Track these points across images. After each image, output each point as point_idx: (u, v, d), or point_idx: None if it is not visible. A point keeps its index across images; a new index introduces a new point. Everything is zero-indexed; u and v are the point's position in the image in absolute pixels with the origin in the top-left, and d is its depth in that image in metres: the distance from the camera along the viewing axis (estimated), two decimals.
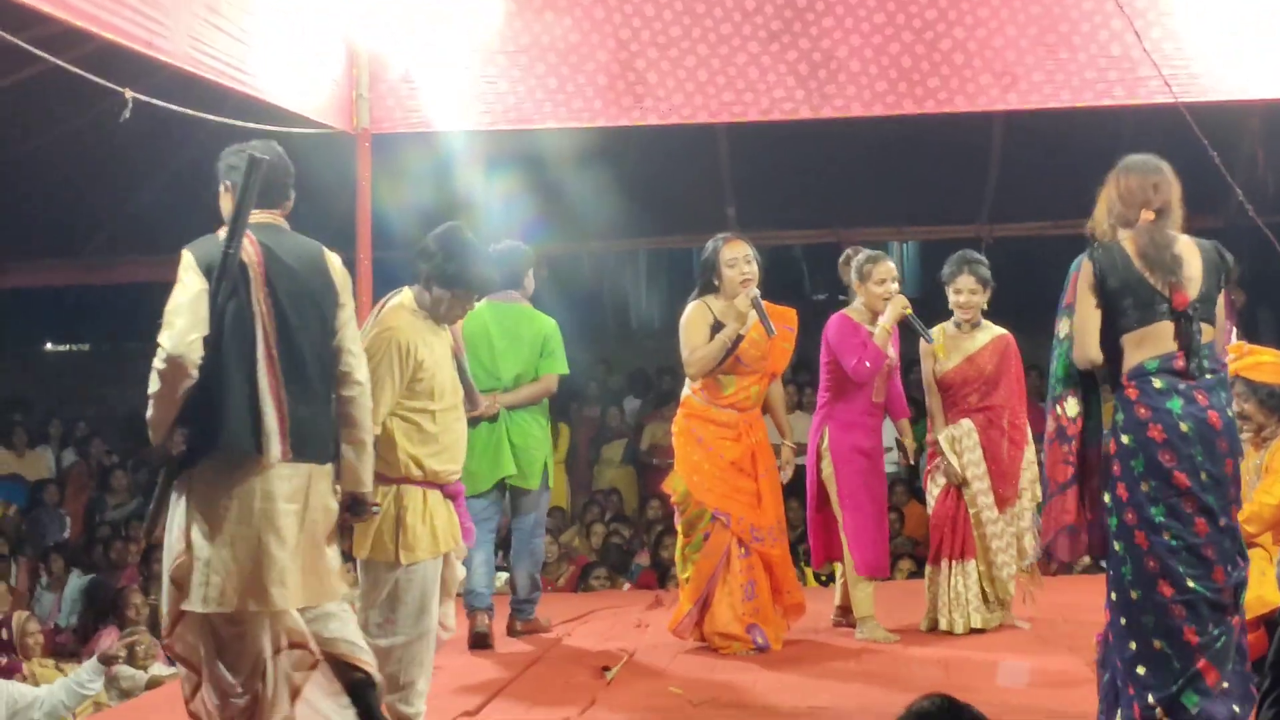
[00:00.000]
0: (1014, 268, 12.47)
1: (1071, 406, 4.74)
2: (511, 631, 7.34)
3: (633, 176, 11.00)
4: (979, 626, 6.97)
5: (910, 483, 10.75)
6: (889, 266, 7.07)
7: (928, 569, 7.19)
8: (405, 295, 5.23)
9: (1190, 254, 4.75)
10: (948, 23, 8.34)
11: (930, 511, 7.20)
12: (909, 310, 6.95)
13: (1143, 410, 4.62)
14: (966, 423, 7.05)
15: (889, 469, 8.23)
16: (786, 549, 6.99)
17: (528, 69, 8.50)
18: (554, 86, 8.50)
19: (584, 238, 11.60)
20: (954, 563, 7.04)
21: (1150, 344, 4.67)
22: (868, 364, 6.84)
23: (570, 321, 8.08)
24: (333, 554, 4.67)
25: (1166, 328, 4.66)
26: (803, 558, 9.38)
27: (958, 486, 7.02)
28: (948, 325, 7.20)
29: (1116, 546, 4.69)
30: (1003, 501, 7.03)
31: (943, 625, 7.02)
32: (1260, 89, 8.34)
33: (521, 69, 8.50)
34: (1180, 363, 4.63)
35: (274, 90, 7.55)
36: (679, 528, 6.85)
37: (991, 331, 7.18)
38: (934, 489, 7.15)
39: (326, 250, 4.81)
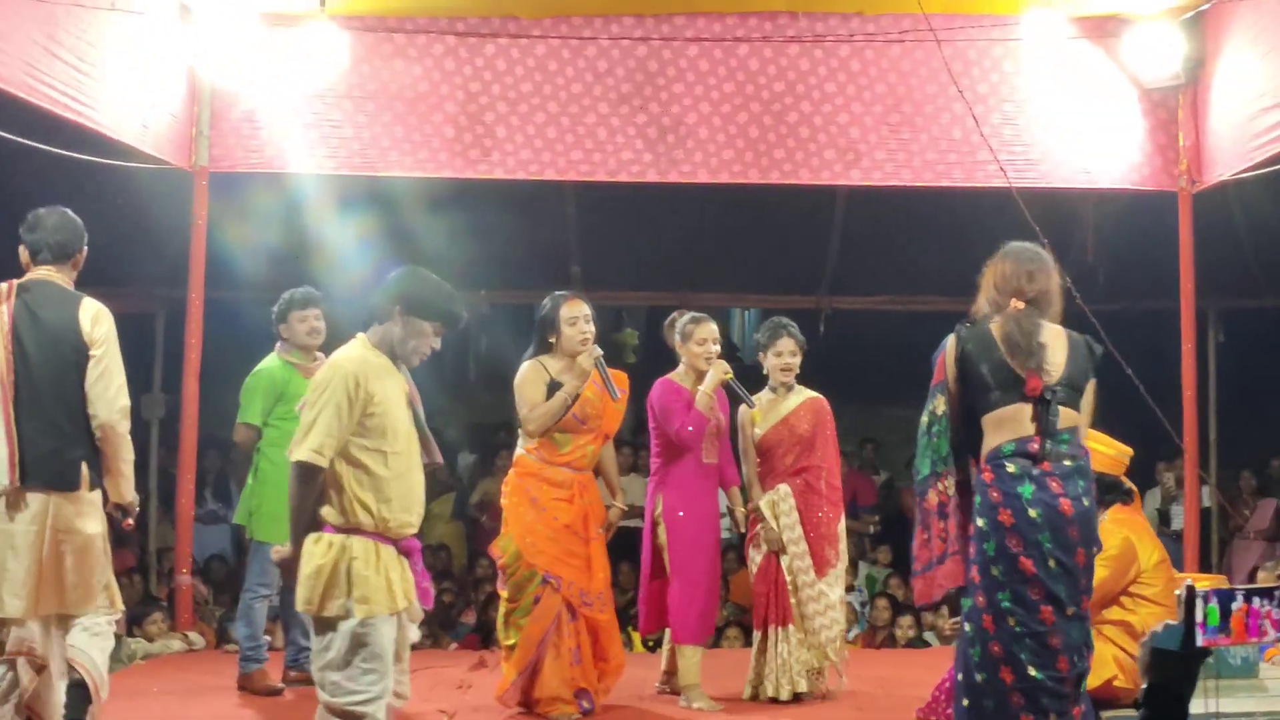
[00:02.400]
0: (852, 341, 12.68)
1: (951, 485, 4.73)
2: (286, 679, 7.28)
3: (482, 226, 10.93)
4: (803, 691, 6.98)
5: (739, 549, 10.78)
6: (711, 328, 7.09)
7: (755, 635, 7.19)
8: (359, 337, 4.91)
9: (1056, 342, 4.75)
10: (795, 96, 8.47)
11: (753, 578, 7.21)
12: (730, 375, 6.99)
13: (995, 494, 4.61)
14: (784, 487, 7.09)
15: (722, 535, 8.24)
16: (614, 614, 6.92)
17: (374, 115, 8.44)
18: (400, 135, 8.44)
19: None
20: (776, 629, 7.05)
21: (1008, 427, 4.65)
22: (690, 428, 6.86)
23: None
24: (88, 570, 5.22)
25: (1025, 410, 4.64)
26: (631, 621, 9.34)
27: (778, 552, 7.04)
28: (764, 392, 7.26)
29: (967, 627, 4.69)
30: (824, 564, 7.06)
31: (769, 691, 7.01)
32: (1094, 179, 8.59)
33: (368, 115, 8.44)
34: (1035, 446, 4.61)
35: (111, 122, 7.39)
36: (504, 591, 6.71)
37: (805, 394, 7.25)
38: (756, 556, 7.17)
39: (86, 304, 5.33)
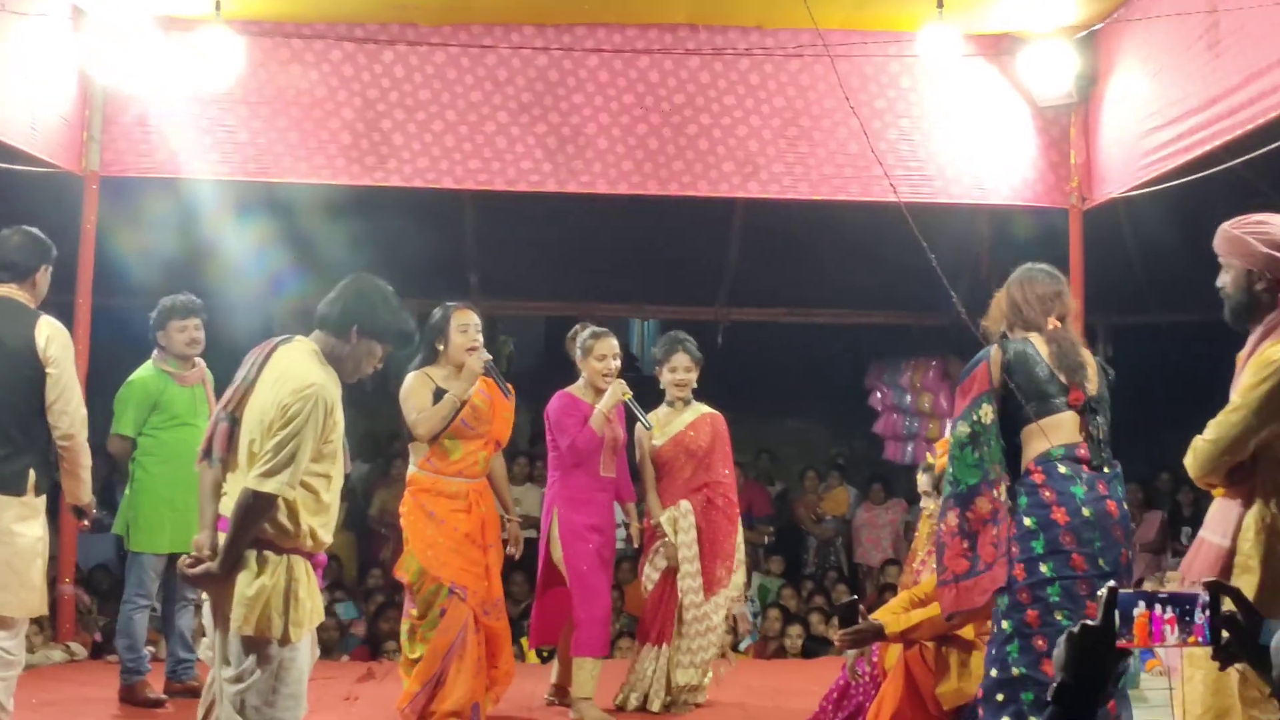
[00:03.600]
0: (749, 352, 12.75)
1: (1004, 491, 4.81)
2: (168, 691, 7.19)
3: (380, 234, 10.85)
4: (655, 709, 7.00)
5: (634, 560, 10.79)
6: (611, 343, 7.10)
7: (636, 646, 7.21)
8: (307, 344, 4.67)
9: (1089, 359, 4.97)
10: (694, 109, 8.50)
11: (646, 593, 7.20)
12: (628, 395, 6.99)
13: (1048, 493, 4.75)
14: (685, 504, 7.10)
15: (617, 546, 8.24)
16: (507, 623, 6.90)
17: (269, 121, 8.33)
18: (296, 141, 8.34)
19: (323, 294, 11.35)
20: (654, 647, 7.07)
21: (1055, 433, 4.81)
22: (577, 446, 6.87)
23: None
24: (20, 572, 5.50)
25: (1071, 419, 4.83)
26: (524, 632, 9.30)
27: (673, 570, 7.05)
28: (661, 406, 7.27)
29: (1004, 625, 4.76)
30: (715, 583, 7.08)
31: (618, 700, 7.04)
32: (988, 194, 8.71)
33: (263, 120, 8.33)
34: (1084, 452, 4.80)
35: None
36: (412, 609, 6.66)
37: (701, 409, 7.28)
38: (653, 572, 7.17)
39: (42, 324, 5.63)
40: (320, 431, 4.45)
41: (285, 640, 4.48)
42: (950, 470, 4.94)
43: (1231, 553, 4.24)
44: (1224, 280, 4.37)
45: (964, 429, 4.89)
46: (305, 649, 4.61)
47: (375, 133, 8.35)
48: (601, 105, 8.46)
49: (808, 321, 12.98)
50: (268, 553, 4.47)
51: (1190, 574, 4.39)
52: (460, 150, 8.37)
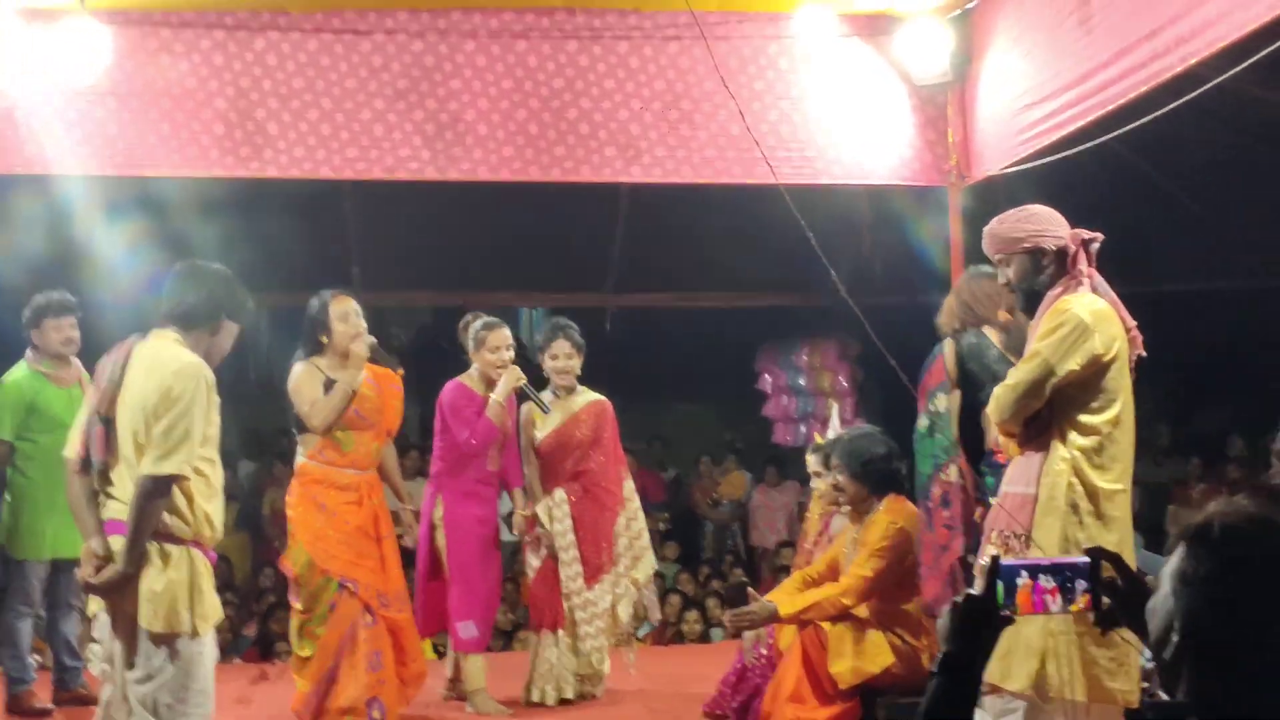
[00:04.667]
0: (638, 338, 12.75)
1: (954, 472, 5.05)
2: (56, 700, 7.08)
3: (258, 229, 10.67)
4: (569, 698, 6.98)
5: None
6: (504, 334, 7.07)
7: (531, 639, 7.17)
8: (168, 334, 4.64)
9: None
10: (574, 93, 8.42)
11: (530, 582, 7.18)
12: (523, 381, 6.96)
13: None
14: (560, 493, 7.09)
15: (506, 538, 8.18)
16: (411, 615, 6.83)
17: (140, 113, 8.10)
18: (168, 133, 8.13)
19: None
20: (549, 634, 7.04)
21: None
22: (474, 440, 6.81)
23: None
24: None
25: None
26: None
27: (554, 557, 7.03)
28: (545, 393, 7.23)
29: None
30: (597, 570, 7.07)
31: (534, 696, 7.00)
32: (867, 174, 8.75)
33: (133, 112, 8.10)
34: None
35: None
36: (297, 604, 6.56)
37: (587, 397, 7.26)
38: (534, 560, 7.15)
39: None
40: (206, 413, 4.46)
41: (194, 634, 4.47)
42: (917, 467, 5.09)
43: (1035, 499, 4.43)
44: (1007, 275, 4.58)
45: (923, 422, 5.05)
46: (211, 644, 4.60)
47: (249, 122, 8.17)
48: (480, 91, 8.35)
49: (695, 306, 13.01)
50: (169, 546, 4.44)
51: (996, 525, 4.56)
52: (337, 139, 8.23)
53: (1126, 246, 10.82)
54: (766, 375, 13.44)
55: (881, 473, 5.96)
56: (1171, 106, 6.52)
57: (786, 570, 10.05)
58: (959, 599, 2.66)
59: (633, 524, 7.25)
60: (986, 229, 4.64)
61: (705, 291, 12.69)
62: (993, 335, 5.35)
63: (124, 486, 4.49)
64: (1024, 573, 2.64)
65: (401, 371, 6.83)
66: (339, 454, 6.55)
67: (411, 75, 8.30)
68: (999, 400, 4.49)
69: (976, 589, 2.66)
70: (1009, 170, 8.24)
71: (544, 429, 7.13)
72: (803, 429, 13.17)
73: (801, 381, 13.25)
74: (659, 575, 11.40)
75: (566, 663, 7.00)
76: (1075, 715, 4.41)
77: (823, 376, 13.15)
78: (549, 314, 14.28)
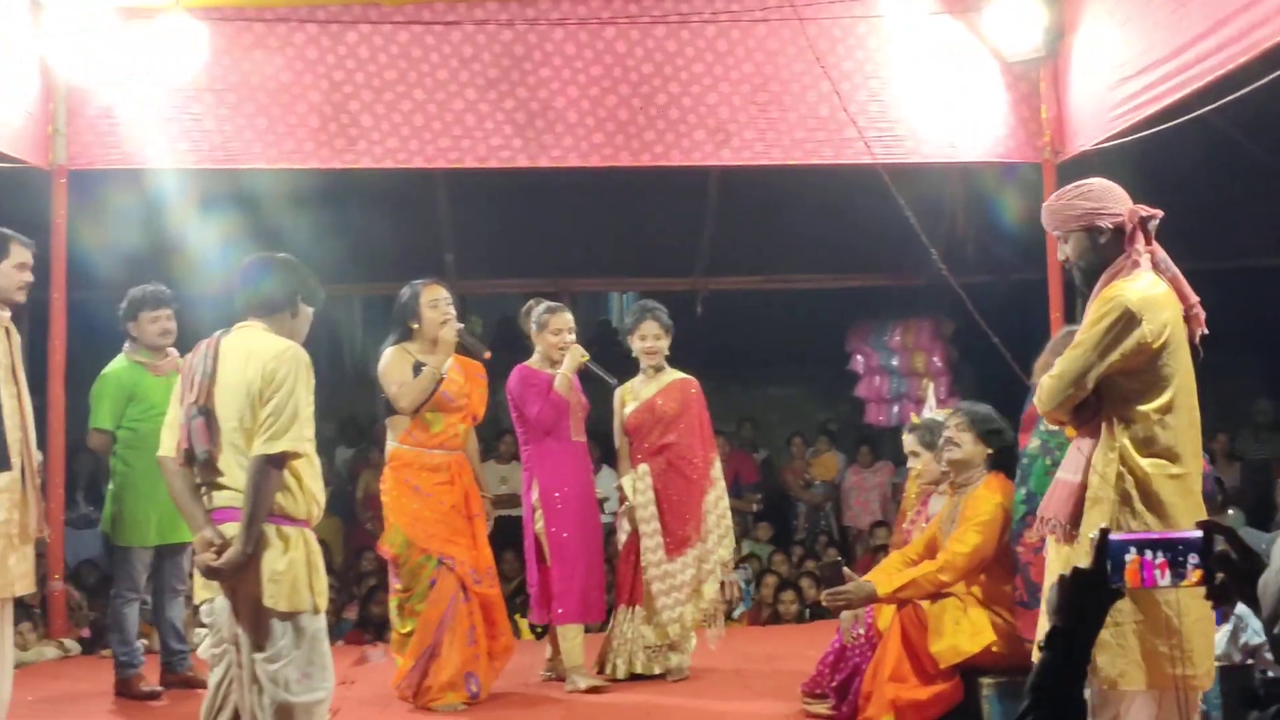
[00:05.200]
0: (729, 321, 12.74)
1: None
2: (164, 682, 7.18)
3: (350, 221, 10.80)
4: (640, 672, 7.02)
5: None
6: (566, 318, 7.17)
7: (614, 611, 7.23)
8: (255, 325, 4.73)
9: None
10: (663, 78, 8.46)
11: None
12: (586, 358, 7.06)
13: None
14: (643, 467, 7.15)
15: (605, 518, 8.25)
16: (500, 590, 6.94)
17: (236, 108, 8.27)
18: (264, 127, 8.28)
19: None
20: (627, 608, 7.11)
21: None
22: (545, 412, 6.92)
23: None
24: None
25: None
26: (518, 609, 9.29)
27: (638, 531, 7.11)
28: (637, 375, 7.32)
29: None
30: (681, 542, 7.10)
31: (606, 670, 7.06)
32: (960, 152, 8.69)
33: (229, 107, 8.27)
34: None
35: None
36: (398, 583, 6.68)
37: (673, 375, 7.31)
38: (621, 535, 7.22)
39: None
40: (308, 391, 4.59)
41: (315, 610, 4.59)
42: (1029, 485, 4.92)
43: (1083, 487, 4.35)
44: (1066, 252, 4.46)
45: (1034, 442, 4.88)
46: (324, 621, 4.72)
47: (343, 115, 8.30)
48: (569, 78, 8.42)
49: (786, 288, 12.98)
50: (285, 527, 4.54)
51: (1046, 512, 4.50)
52: (429, 129, 8.33)
53: (1223, 221, 10.73)
54: (858, 356, 13.39)
55: (1000, 446, 5.93)
56: (1270, 78, 6.41)
57: (881, 550, 10.03)
58: (1067, 573, 2.65)
59: (719, 503, 7.28)
60: (1045, 205, 4.54)
61: (795, 273, 12.67)
62: None
63: (231, 475, 4.58)
64: (1132, 548, 2.62)
65: (489, 355, 6.93)
66: (427, 435, 6.67)
67: (502, 64, 8.38)
68: (1043, 390, 4.40)
69: (1085, 563, 2.64)
70: (1104, 145, 8.15)
71: (631, 406, 7.22)
72: (896, 409, 13.10)
73: (894, 362, 13.18)
74: (753, 556, 11.45)
75: (639, 636, 7.06)
76: (1142, 704, 4.36)
77: (916, 357, 13.08)
78: (640, 299, 14.35)
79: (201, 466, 4.62)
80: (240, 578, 4.50)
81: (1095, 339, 4.25)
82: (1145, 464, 4.26)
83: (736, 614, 10.06)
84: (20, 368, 5.86)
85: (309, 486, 4.62)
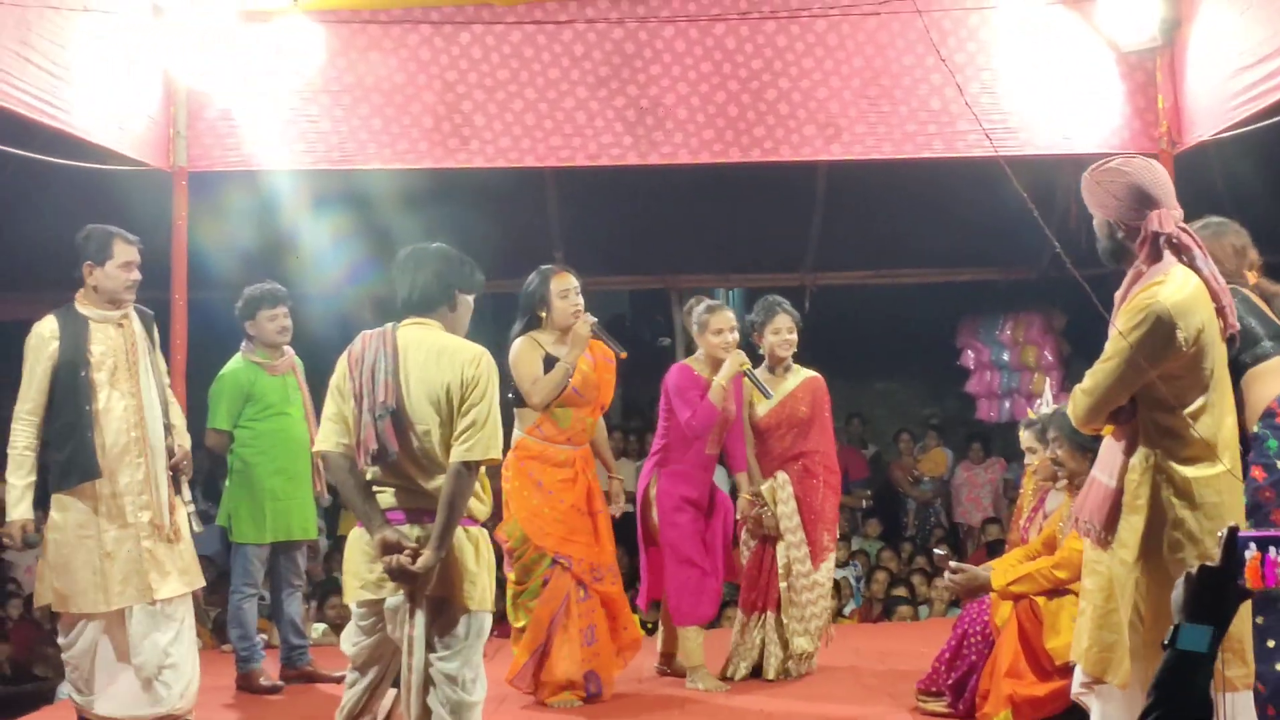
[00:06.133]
0: (837, 316, 12.69)
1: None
2: (283, 677, 7.35)
3: (460, 219, 10.90)
4: (770, 677, 6.98)
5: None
6: (727, 317, 7.03)
7: (739, 617, 7.19)
8: (429, 323, 4.70)
9: None
10: (773, 73, 8.45)
11: (745, 561, 7.19)
12: (747, 365, 6.93)
13: None
14: (782, 475, 7.06)
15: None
16: (622, 586, 6.95)
17: (351, 109, 8.39)
18: (378, 127, 8.40)
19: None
20: (759, 615, 7.06)
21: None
22: (695, 422, 6.83)
23: None
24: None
25: None
26: (632, 604, 9.33)
27: (771, 538, 7.03)
28: (760, 370, 7.20)
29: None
30: (823, 551, 7.05)
31: (729, 672, 7.04)
32: (1074, 144, 8.58)
33: (345, 109, 8.39)
34: None
35: (87, 126, 7.33)
36: (511, 574, 6.71)
37: (802, 374, 7.22)
38: (750, 540, 7.16)
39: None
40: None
41: (492, 610, 4.67)
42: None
43: (1119, 492, 4.28)
44: (1095, 225, 4.40)
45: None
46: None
47: (456, 115, 8.39)
48: (679, 75, 8.44)
49: (895, 283, 12.90)
50: (471, 528, 4.59)
51: (1081, 513, 4.45)
52: (541, 128, 8.40)
53: None
54: (969, 351, 13.28)
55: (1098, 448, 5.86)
56: None
57: (994, 547, 9.95)
58: (1193, 570, 2.62)
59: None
60: (1085, 172, 4.45)
61: (904, 268, 12.59)
62: (1249, 292, 4.92)
63: (406, 475, 4.58)
64: (1253, 545, 2.57)
65: (624, 355, 6.86)
66: (556, 429, 6.65)
67: (612, 62, 8.42)
68: (1076, 405, 4.32)
69: (1213, 561, 2.61)
70: (1222, 135, 8.01)
71: (763, 407, 7.11)
72: (1007, 405, 12.98)
73: (1005, 357, 13.06)
74: (863, 553, 11.41)
75: (773, 645, 7.01)
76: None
77: (1027, 351, 12.95)
78: (746, 296, 14.35)
79: (388, 466, 4.59)
80: (426, 578, 4.48)
81: (1127, 351, 4.15)
82: (1184, 470, 4.18)
83: (847, 611, 10.03)
84: (144, 366, 5.96)
85: (487, 485, 4.67)
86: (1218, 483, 4.20)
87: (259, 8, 8.10)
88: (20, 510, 5.78)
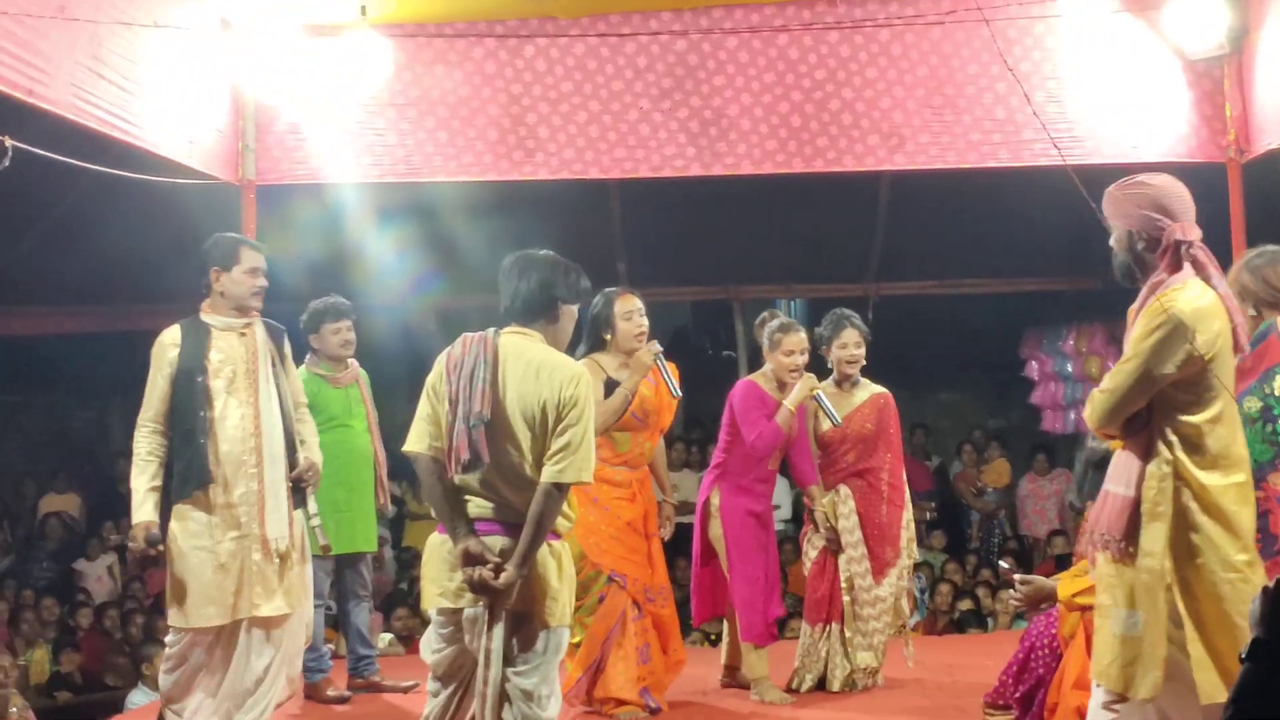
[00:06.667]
0: (900, 327, 12.64)
1: None
2: (351, 687, 7.38)
3: (525, 230, 10.91)
4: (835, 690, 6.97)
5: (795, 540, 10.78)
6: (800, 339, 6.98)
7: (804, 629, 7.17)
8: (530, 333, 4.58)
9: None
10: (836, 83, 8.44)
11: (807, 573, 7.18)
12: (817, 389, 6.92)
13: None
14: (844, 489, 7.06)
15: (777, 527, 8.23)
16: (674, 609, 6.93)
17: (417, 122, 8.46)
18: (444, 140, 8.46)
19: (475, 291, 11.51)
20: (824, 626, 7.04)
21: None
22: (759, 445, 6.82)
23: None
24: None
25: None
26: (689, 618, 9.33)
27: (834, 552, 7.02)
28: (826, 384, 7.19)
29: None
30: (884, 565, 7.03)
31: (794, 684, 7.03)
32: (1141, 153, 8.52)
33: (411, 122, 8.46)
34: None
35: (158, 140, 7.41)
36: None
37: (870, 390, 7.20)
38: (811, 551, 7.16)
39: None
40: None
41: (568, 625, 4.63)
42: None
43: (1137, 502, 4.28)
44: (1112, 240, 4.43)
45: (1253, 403, 4.73)
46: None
47: (521, 127, 8.44)
48: (743, 86, 8.45)
49: (958, 292, 12.84)
50: (554, 543, 4.54)
51: (1098, 527, 4.42)
52: (605, 140, 8.43)
53: None
54: (1033, 362, 13.20)
55: None
56: None
57: (1061, 560, 9.88)
58: (1270, 584, 2.61)
59: (908, 518, 7.20)
60: (1107, 189, 4.50)
61: (967, 278, 12.52)
62: None
63: (500, 487, 4.50)
64: None
65: (679, 397, 6.80)
66: (614, 453, 6.61)
67: (675, 74, 8.45)
68: (1095, 406, 4.35)
69: (1236, 569, 2.60)
70: None
71: (827, 421, 7.07)
72: (1072, 416, 12.88)
73: (1069, 368, 12.96)
74: (927, 565, 11.35)
75: (839, 657, 6.99)
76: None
77: (1091, 362, 12.84)
78: (808, 306, 14.34)
79: (477, 476, 4.50)
80: (506, 593, 4.42)
81: (1149, 352, 4.21)
82: (1201, 476, 4.21)
83: (912, 623, 9.99)
84: (264, 375, 5.97)
85: (574, 503, 4.63)
86: (1233, 492, 4.25)
87: (327, 21, 8.17)
88: (143, 513, 5.80)
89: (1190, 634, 4.21)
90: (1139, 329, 4.25)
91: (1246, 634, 4.10)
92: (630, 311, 6.63)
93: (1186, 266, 4.28)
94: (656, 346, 6.59)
